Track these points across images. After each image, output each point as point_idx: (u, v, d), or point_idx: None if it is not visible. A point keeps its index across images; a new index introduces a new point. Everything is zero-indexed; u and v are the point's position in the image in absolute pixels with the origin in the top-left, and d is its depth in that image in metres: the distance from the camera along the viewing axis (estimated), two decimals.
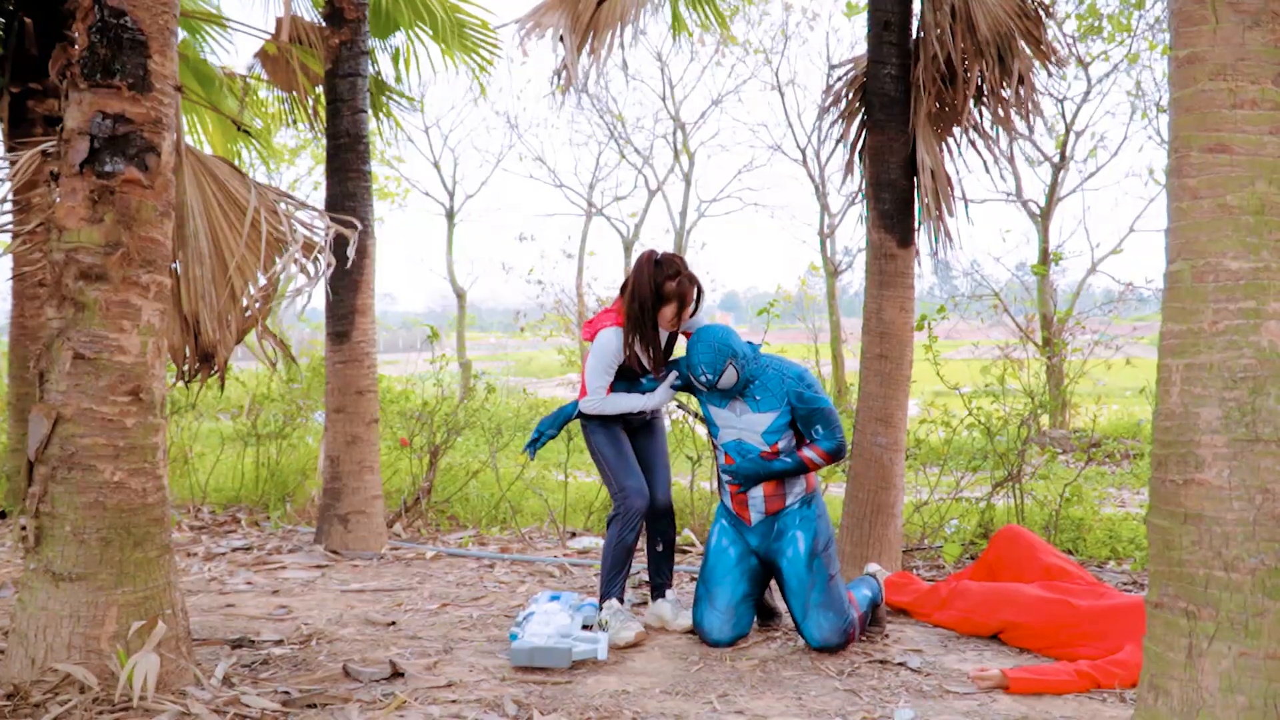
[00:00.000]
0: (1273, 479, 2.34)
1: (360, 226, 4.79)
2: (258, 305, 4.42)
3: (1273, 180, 2.42)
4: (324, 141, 6.61)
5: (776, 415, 4.21)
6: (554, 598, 4.48)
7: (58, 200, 3.31)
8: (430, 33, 7.65)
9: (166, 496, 3.45)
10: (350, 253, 4.56)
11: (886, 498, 5.23)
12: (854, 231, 18.19)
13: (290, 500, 7.49)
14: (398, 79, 7.97)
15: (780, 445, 4.24)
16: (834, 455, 4.24)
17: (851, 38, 16.38)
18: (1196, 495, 2.40)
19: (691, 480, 6.77)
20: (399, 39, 7.86)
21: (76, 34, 3.36)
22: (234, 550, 6.21)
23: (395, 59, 7.90)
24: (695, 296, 4.29)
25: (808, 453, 4.24)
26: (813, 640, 4.11)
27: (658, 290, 4.24)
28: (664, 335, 4.44)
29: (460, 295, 19.14)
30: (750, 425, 4.24)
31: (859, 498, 5.25)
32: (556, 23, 5.73)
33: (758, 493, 4.29)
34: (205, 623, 4.41)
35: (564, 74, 5.89)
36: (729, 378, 4.14)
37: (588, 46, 6.01)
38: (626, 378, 4.45)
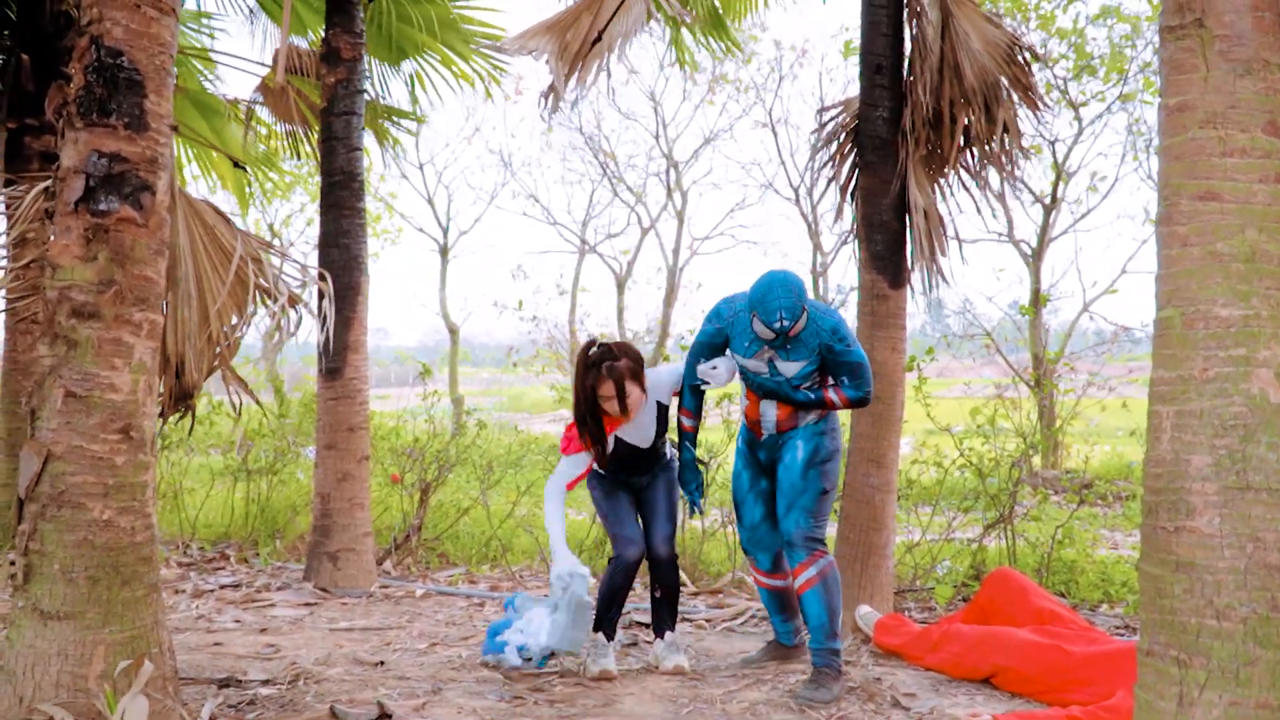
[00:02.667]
0: (1264, 527, 2.34)
1: (329, 281, 4.92)
2: (225, 347, 4.45)
3: (1263, 228, 2.45)
4: (319, 177, 6.64)
5: (805, 364, 4.21)
6: (509, 602, 4.59)
7: (52, 238, 3.31)
8: (439, 58, 7.73)
9: (155, 535, 3.43)
10: (329, 310, 4.65)
11: (878, 538, 5.21)
12: (846, 269, 18.27)
13: (280, 536, 7.45)
14: (414, 101, 8.01)
15: (804, 388, 4.25)
16: (857, 403, 4.26)
17: (844, 78, 16.56)
18: (1188, 543, 2.40)
19: (683, 519, 6.74)
20: (410, 64, 7.93)
21: (73, 72, 3.38)
22: (222, 587, 6.17)
23: (412, 85, 7.95)
24: (630, 375, 4.25)
25: (831, 394, 4.25)
26: (786, 533, 4.19)
27: (590, 394, 4.29)
28: (646, 412, 4.45)
29: (453, 331, 19.15)
30: (778, 372, 4.24)
31: (850, 538, 5.23)
32: (544, 47, 5.80)
33: (770, 411, 4.31)
34: (192, 661, 4.37)
35: (552, 96, 5.94)
36: (799, 325, 4.11)
37: (576, 73, 6.06)
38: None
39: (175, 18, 3.51)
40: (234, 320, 4.46)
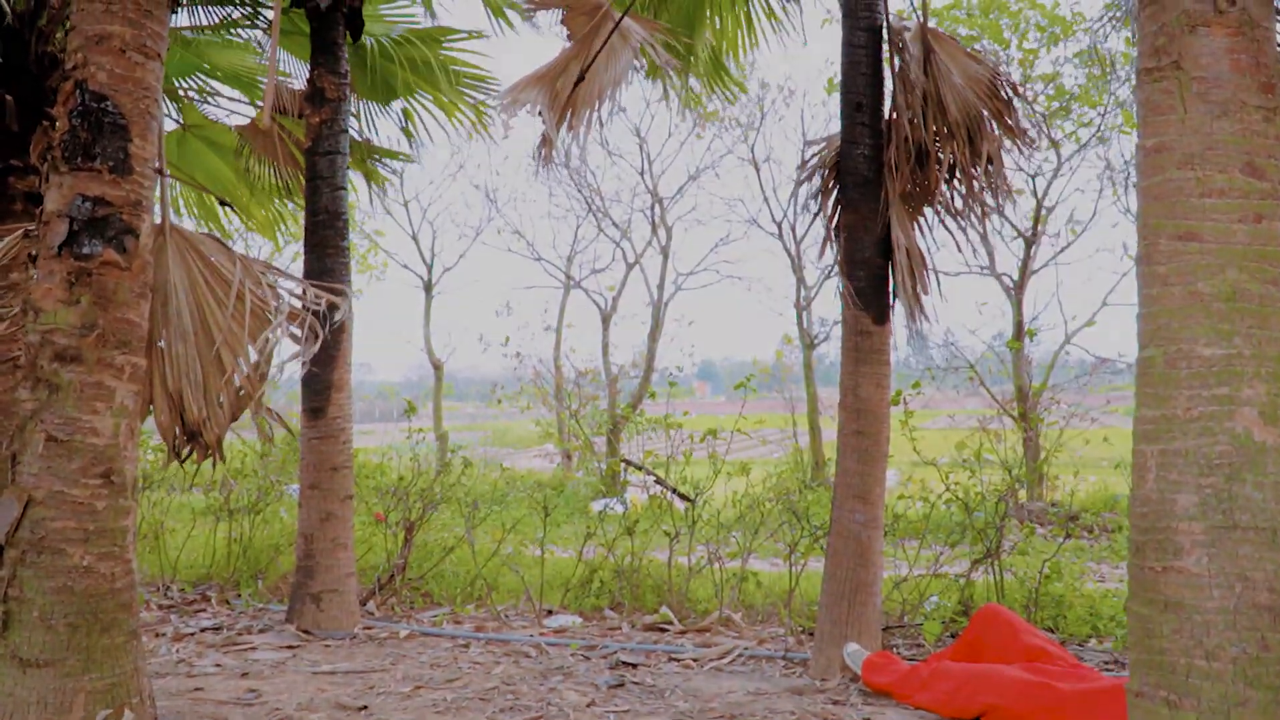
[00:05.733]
0: (1252, 566, 2.34)
1: (349, 294, 4.82)
2: (252, 381, 4.39)
3: (1243, 268, 2.47)
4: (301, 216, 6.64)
5: None
6: None
7: (35, 281, 3.30)
8: (431, 98, 7.77)
9: (135, 581, 3.39)
10: (339, 317, 4.57)
11: (865, 575, 5.19)
12: (830, 303, 18.36)
13: (262, 577, 7.38)
14: (409, 137, 8.04)
15: None
16: None
17: (826, 115, 16.71)
18: (1176, 583, 2.40)
19: (669, 556, 6.71)
20: (400, 103, 7.96)
21: (58, 116, 3.38)
22: (203, 630, 6.09)
23: (405, 123, 7.98)
24: None
25: None
26: None
27: None
28: None
29: (437, 367, 19.10)
30: None
31: (838, 575, 5.21)
32: (535, 99, 5.82)
33: None
34: (173, 707, 4.31)
35: (544, 149, 5.96)
36: None
37: (566, 122, 6.09)
38: None
39: (160, 62, 3.52)
40: (248, 350, 4.39)
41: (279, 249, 9.68)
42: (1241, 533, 2.36)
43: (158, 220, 3.95)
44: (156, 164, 3.49)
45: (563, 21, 5.93)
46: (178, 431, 4.25)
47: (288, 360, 4.30)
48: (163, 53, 3.54)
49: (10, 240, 3.75)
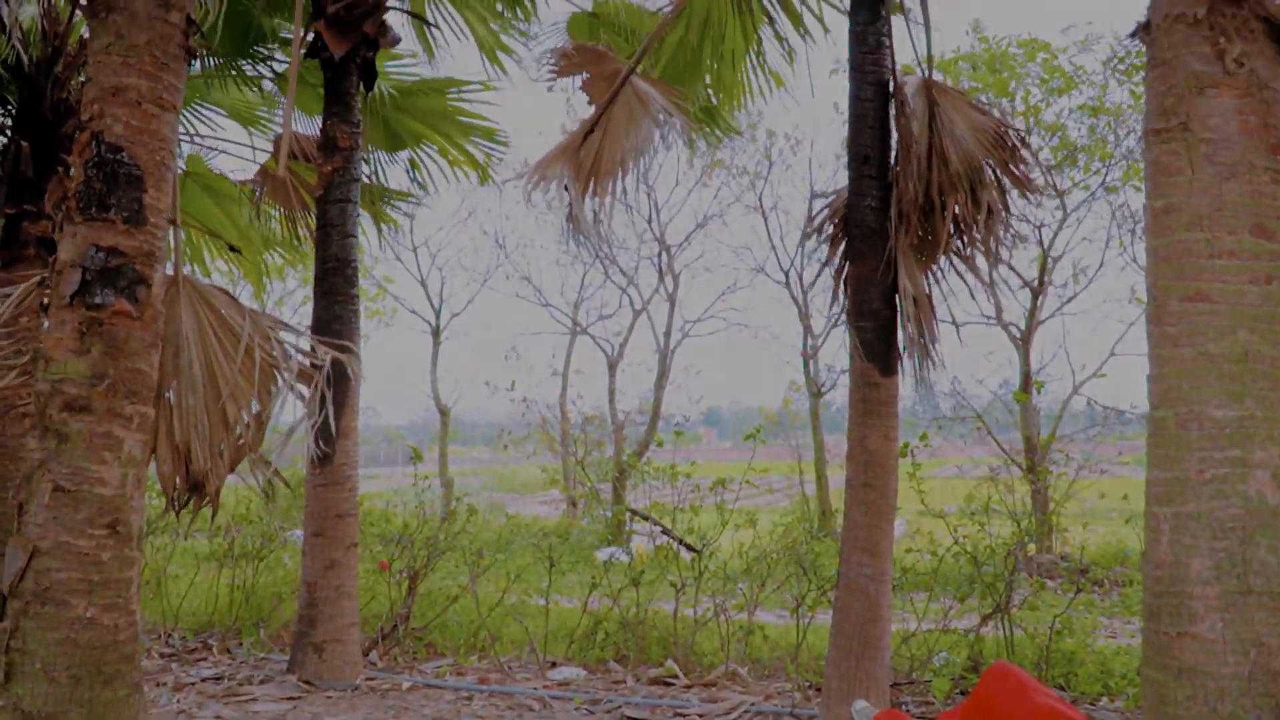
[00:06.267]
0: (1267, 632, 2.32)
1: (357, 352, 4.83)
2: (251, 433, 4.38)
3: (1254, 329, 2.46)
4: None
5: None
6: None
7: (47, 330, 3.31)
8: (436, 148, 7.86)
9: (138, 633, 3.37)
10: (348, 374, 4.56)
11: (874, 630, 5.14)
12: (837, 351, 18.35)
13: (264, 625, 7.32)
14: (421, 186, 8.13)
15: None
16: None
17: (833, 165, 16.78)
18: (1190, 648, 2.37)
19: (675, 608, 6.65)
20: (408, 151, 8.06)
21: (74, 166, 3.42)
22: (204, 680, 6.04)
23: (412, 171, 8.07)
24: None
25: None
26: None
27: None
28: None
29: (444, 413, 19.09)
30: None
31: (846, 630, 5.16)
32: (560, 173, 5.87)
33: None
34: None
35: (572, 223, 6.00)
36: None
37: (589, 188, 6.13)
38: None
39: (176, 113, 3.56)
40: (254, 405, 4.38)
41: (261, 298, 9.74)
42: (1256, 598, 2.34)
43: (169, 270, 3.97)
44: (170, 214, 3.52)
45: (582, 87, 6.01)
46: (178, 482, 4.24)
47: (297, 424, 4.30)
48: (178, 104, 3.58)
49: (23, 289, 3.77)
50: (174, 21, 3.56)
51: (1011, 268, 12.38)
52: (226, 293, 4.47)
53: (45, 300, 3.38)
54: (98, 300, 3.29)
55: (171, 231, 3.64)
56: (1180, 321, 2.50)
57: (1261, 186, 2.53)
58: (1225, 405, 2.42)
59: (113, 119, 3.39)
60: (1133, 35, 2.78)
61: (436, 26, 7.52)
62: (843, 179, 5.88)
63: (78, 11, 6.49)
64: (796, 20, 6.43)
